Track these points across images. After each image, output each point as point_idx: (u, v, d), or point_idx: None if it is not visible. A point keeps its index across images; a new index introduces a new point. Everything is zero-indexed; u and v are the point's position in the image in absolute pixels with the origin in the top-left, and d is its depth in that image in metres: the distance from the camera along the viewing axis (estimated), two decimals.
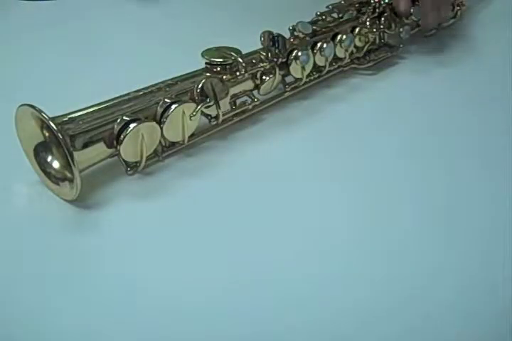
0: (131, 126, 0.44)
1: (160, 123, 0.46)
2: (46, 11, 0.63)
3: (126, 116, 0.45)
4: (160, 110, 0.46)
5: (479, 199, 0.46)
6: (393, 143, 0.51)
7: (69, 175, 0.43)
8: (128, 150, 0.45)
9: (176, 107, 0.46)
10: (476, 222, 0.44)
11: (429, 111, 0.55)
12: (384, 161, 0.49)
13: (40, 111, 0.42)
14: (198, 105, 0.47)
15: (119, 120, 0.44)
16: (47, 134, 0.44)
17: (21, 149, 0.45)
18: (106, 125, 0.44)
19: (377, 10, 0.60)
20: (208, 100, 0.48)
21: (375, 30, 0.59)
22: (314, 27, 0.55)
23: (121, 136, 0.44)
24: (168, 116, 0.46)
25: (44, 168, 0.45)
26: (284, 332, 0.37)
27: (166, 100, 0.46)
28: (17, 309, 0.38)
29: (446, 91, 0.58)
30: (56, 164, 0.45)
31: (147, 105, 0.46)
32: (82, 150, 0.43)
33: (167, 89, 0.48)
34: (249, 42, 0.53)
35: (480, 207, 0.45)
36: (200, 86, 0.48)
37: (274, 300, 0.39)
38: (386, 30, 0.60)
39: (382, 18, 0.60)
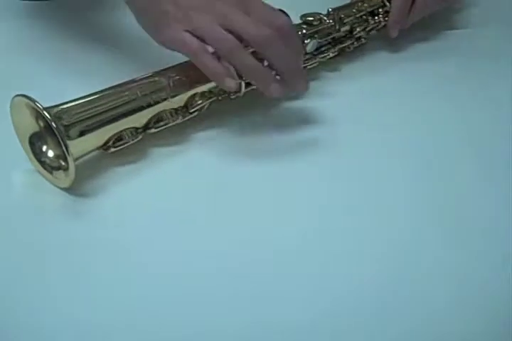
0: None
1: None
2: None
3: None
4: None
5: (479, 199, 0.46)
6: (392, 142, 0.51)
7: (63, 163, 0.44)
8: None
9: None
10: (475, 220, 0.45)
11: (429, 111, 0.54)
12: (383, 161, 0.49)
13: (34, 102, 0.43)
14: None
15: None
16: (41, 124, 0.45)
17: (17, 139, 0.46)
18: (99, 115, 0.45)
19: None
20: None
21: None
22: None
23: None
24: None
25: (39, 157, 0.46)
26: (283, 324, 0.38)
27: None
28: (13, 296, 0.39)
29: (445, 92, 0.57)
30: (51, 153, 0.46)
31: None
32: (76, 139, 0.44)
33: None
34: None
35: (479, 205, 0.46)
36: None
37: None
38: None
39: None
